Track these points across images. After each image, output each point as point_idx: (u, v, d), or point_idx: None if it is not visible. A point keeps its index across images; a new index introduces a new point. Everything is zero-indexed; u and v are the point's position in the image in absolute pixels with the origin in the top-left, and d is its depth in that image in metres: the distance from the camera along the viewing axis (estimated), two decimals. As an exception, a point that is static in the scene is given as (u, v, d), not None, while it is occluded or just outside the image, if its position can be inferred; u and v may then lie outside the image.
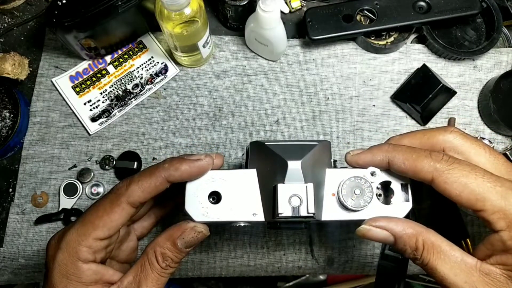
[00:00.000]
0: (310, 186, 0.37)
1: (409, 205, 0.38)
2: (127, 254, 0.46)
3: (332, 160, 0.42)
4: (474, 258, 0.34)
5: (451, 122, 0.60)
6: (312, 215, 0.37)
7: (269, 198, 0.38)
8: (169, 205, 0.53)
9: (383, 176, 0.39)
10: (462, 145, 0.37)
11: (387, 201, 0.39)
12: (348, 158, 0.39)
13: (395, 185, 0.39)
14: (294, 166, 0.37)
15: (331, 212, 0.39)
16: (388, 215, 0.37)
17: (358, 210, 0.38)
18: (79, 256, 0.36)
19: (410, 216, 0.42)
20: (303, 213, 0.36)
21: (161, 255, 0.37)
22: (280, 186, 0.37)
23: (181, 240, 0.37)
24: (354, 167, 0.40)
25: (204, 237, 0.38)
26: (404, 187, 0.39)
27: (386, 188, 0.39)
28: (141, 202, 0.38)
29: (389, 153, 0.37)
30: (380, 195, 0.39)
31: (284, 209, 0.36)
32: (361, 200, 0.38)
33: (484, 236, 0.36)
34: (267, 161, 0.40)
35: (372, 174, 0.38)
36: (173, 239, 0.37)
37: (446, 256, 0.34)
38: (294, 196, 0.37)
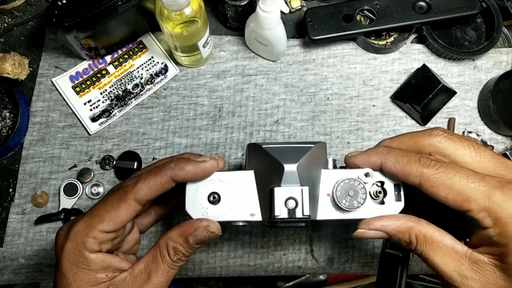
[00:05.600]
0: (306, 189, 0.38)
1: (401, 205, 0.40)
2: (130, 246, 0.47)
3: (332, 159, 0.43)
4: (464, 246, 0.36)
5: (451, 122, 0.60)
6: (307, 217, 0.38)
7: (266, 199, 0.39)
8: (170, 204, 0.53)
9: (377, 177, 0.40)
10: (446, 148, 0.38)
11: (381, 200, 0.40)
12: (346, 159, 0.41)
13: (388, 185, 0.40)
14: (290, 169, 0.39)
15: (326, 212, 0.40)
16: (381, 215, 0.39)
17: (352, 211, 0.39)
18: (86, 246, 0.38)
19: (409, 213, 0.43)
20: (299, 215, 0.38)
21: (173, 249, 0.39)
22: (276, 189, 0.38)
23: (193, 237, 0.38)
24: (351, 167, 0.41)
25: (216, 237, 0.39)
26: (396, 187, 0.40)
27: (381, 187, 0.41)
28: (147, 199, 0.39)
29: (382, 156, 0.39)
30: (380, 192, 0.40)
31: (281, 212, 0.38)
32: (354, 201, 0.39)
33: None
34: (264, 163, 0.41)
35: (366, 175, 0.40)
36: (185, 236, 0.39)
37: (437, 246, 0.36)
38: (290, 199, 0.38)
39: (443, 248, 0.36)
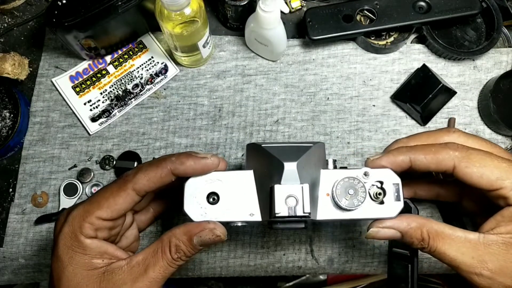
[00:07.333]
0: (306, 186, 0.38)
1: (400, 204, 0.40)
2: (129, 242, 0.47)
3: (332, 160, 0.43)
4: (475, 233, 0.38)
5: (451, 122, 0.60)
6: (308, 214, 0.38)
7: (266, 199, 0.39)
8: (168, 202, 0.53)
9: (375, 176, 0.40)
10: (465, 142, 0.40)
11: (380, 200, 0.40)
12: (369, 163, 0.41)
13: (387, 185, 0.40)
14: (290, 167, 0.39)
15: (326, 212, 0.40)
16: (381, 214, 0.40)
17: (352, 210, 0.39)
18: (82, 231, 0.38)
19: (418, 212, 0.43)
20: (299, 213, 0.38)
21: (175, 246, 0.39)
22: (276, 187, 0.38)
23: (197, 238, 0.38)
24: (373, 167, 0.41)
25: (221, 241, 0.39)
26: (395, 187, 0.40)
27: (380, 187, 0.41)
28: (146, 190, 0.39)
29: (409, 152, 0.40)
30: (380, 193, 0.40)
31: (281, 209, 0.38)
32: (354, 200, 0.39)
33: None
34: (264, 162, 0.41)
35: (365, 174, 0.40)
36: (190, 235, 0.38)
37: (450, 239, 0.37)
38: (290, 196, 0.38)
39: (456, 239, 0.37)
